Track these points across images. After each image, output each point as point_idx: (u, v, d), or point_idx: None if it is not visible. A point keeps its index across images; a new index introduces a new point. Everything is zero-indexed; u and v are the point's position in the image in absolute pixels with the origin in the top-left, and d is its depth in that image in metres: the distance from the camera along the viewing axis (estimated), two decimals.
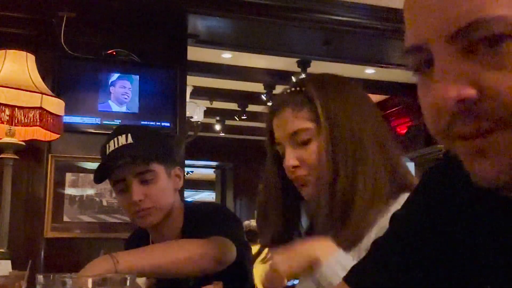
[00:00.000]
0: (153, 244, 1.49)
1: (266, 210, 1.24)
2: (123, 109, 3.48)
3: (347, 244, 1.05)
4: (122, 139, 1.53)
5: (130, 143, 1.52)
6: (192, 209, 1.63)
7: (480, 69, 0.51)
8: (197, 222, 1.55)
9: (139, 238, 1.70)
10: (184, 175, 1.92)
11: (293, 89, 1.19)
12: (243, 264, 1.54)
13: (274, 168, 1.23)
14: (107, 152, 1.54)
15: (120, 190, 1.55)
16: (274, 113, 1.20)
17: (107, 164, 1.52)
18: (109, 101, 3.45)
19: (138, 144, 1.53)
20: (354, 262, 0.84)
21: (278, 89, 6.04)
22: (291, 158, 1.15)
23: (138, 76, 3.52)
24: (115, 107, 3.46)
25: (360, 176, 1.09)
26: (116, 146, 1.52)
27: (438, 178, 0.75)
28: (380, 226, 1.03)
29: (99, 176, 1.55)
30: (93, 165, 3.34)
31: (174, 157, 1.68)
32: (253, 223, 6.25)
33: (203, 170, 9.81)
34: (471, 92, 0.51)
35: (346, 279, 0.81)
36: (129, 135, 1.53)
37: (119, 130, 1.58)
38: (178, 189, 1.63)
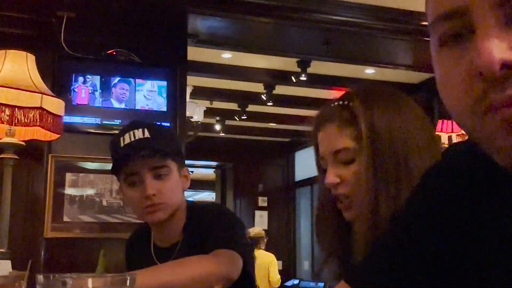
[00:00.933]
0: (162, 264, 1.48)
1: (321, 225, 1.21)
2: (122, 106, 3.48)
3: None
4: (138, 133, 1.53)
5: (147, 137, 1.52)
6: (194, 209, 1.64)
7: None
8: (199, 223, 1.56)
9: (140, 238, 1.70)
10: None
11: (340, 102, 1.15)
12: (246, 269, 1.54)
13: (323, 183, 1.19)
14: (122, 145, 1.53)
15: (131, 183, 1.54)
16: (319, 127, 1.17)
17: (126, 154, 1.52)
18: (111, 99, 3.45)
19: (155, 139, 1.53)
20: None
21: (278, 89, 6.05)
22: (331, 176, 1.12)
23: (137, 76, 3.52)
24: (115, 105, 3.46)
25: (404, 198, 1.03)
26: (133, 139, 1.52)
27: (438, 178, 0.75)
28: None
29: (115, 167, 1.55)
30: (93, 165, 3.35)
31: (184, 157, 1.69)
32: (252, 231, 6.25)
33: (203, 170, 9.82)
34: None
35: (347, 279, 0.81)
36: (145, 129, 1.53)
37: (134, 125, 1.57)
38: (185, 190, 1.64)
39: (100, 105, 3.43)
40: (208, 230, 1.51)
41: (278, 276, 6.05)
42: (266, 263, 6.03)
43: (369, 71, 5.62)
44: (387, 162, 1.07)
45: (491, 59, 0.49)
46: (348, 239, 1.17)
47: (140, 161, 1.51)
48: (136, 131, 1.53)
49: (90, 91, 3.43)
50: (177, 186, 1.58)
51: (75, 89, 3.38)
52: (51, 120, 2.55)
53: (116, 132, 1.62)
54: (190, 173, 1.71)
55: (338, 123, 1.13)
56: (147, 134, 1.53)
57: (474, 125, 0.54)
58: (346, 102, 1.14)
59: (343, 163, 1.12)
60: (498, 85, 0.50)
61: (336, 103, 1.16)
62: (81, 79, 3.41)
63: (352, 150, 1.11)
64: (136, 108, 3.50)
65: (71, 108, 3.13)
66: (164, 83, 3.58)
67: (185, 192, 1.68)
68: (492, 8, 0.50)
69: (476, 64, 0.50)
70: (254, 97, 6.37)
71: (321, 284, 5.45)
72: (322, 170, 1.18)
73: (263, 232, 6.44)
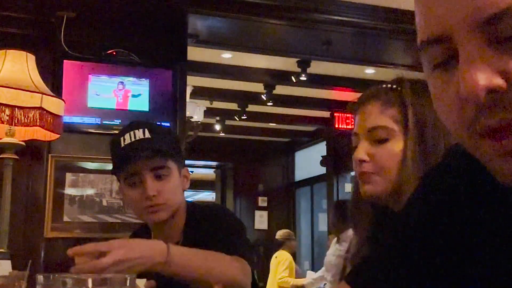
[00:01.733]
0: (196, 249, 1.50)
1: (356, 210, 1.21)
2: (122, 106, 3.48)
3: None
4: (139, 133, 1.53)
5: (148, 138, 1.52)
6: (194, 209, 1.64)
7: (508, 59, 0.49)
8: (200, 224, 1.56)
9: (140, 238, 1.70)
10: None
11: (389, 85, 1.16)
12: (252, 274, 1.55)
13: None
14: (122, 145, 1.53)
15: (132, 183, 1.54)
16: (361, 104, 1.17)
17: (127, 155, 1.52)
18: (111, 99, 3.45)
19: (156, 139, 1.53)
20: None
21: (278, 89, 6.05)
22: (361, 152, 1.12)
23: (137, 76, 3.52)
24: (115, 105, 3.46)
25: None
26: (133, 139, 1.52)
27: (439, 178, 0.75)
28: None
29: (115, 167, 1.55)
30: (93, 165, 3.35)
31: (184, 158, 1.69)
32: (278, 234, 6.27)
33: (203, 170, 9.82)
34: (500, 82, 0.48)
35: (347, 279, 0.81)
36: (146, 130, 1.53)
37: (135, 125, 1.57)
38: (185, 190, 1.64)
39: (100, 105, 3.43)
40: (210, 232, 1.51)
41: (281, 275, 6.03)
42: (279, 261, 6.07)
43: (369, 71, 5.62)
44: (429, 148, 1.08)
45: (475, 87, 0.48)
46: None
47: (141, 161, 1.51)
48: (136, 131, 1.53)
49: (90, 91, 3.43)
50: (178, 187, 1.58)
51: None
52: (51, 120, 2.55)
53: (116, 132, 1.62)
54: (190, 173, 1.71)
55: (383, 102, 1.13)
56: (147, 135, 1.53)
57: (470, 146, 0.54)
58: (395, 86, 1.15)
59: (377, 141, 1.12)
60: (487, 110, 0.50)
61: (385, 85, 1.16)
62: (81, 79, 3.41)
63: (389, 130, 1.11)
64: (136, 108, 3.50)
65: (71, 108, 3.12)
66: (164, 83, 3.58)
67: (185, 192, 1.68)
68: (474, 32, 0.49)
69: (461, 93, 0.50)
70: (254, 97, 6.37)
71: (322, 284, 5.44)
72: (353, 148, 1.18)
73: (289, 233, 6.45)
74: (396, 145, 1.11)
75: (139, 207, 1.56)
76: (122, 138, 1.54)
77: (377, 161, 1.12)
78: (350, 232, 4.34)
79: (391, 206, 1.11)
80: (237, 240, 1.52)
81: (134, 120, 1.67)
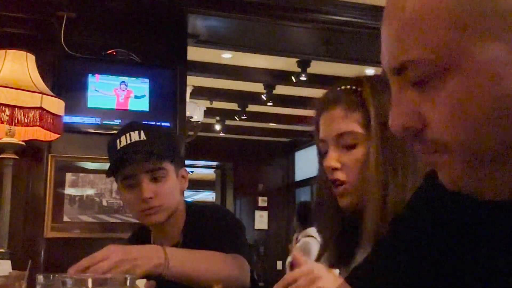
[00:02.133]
0: (192, 250, 1.50)
1: (320, 211, 1.20)
2: (122, 106, 3.48)
3: None
4: (134, 135, 1.52)
5: (143, 140, 1.52)
6: (194, 210, 1.63)
7: (421, 100, 0.57)
8: (199, 225, 1.56)
9: (140, 238, 1.70)
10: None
11: (348, 87, 1.13)
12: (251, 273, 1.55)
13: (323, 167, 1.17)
14: (118, 147, 1.53)
15: (128, 185, 1.54)
16: (324, 108, 1.15)
17: (122, 158, 1.52)
18: (111, 99, 3.45)
19: (151, 141, 1.53)
20: None
21: (278, 89, 6.05)
22: (332, 159, 1.10)
23: (137, 76, 3.52)
24: (115, 105, 3.46)
25: (410, 189, 1.02)
26: (129, 141, 1.52)
27: (440, 181, 0.75)
28: None
29: (111, 170, 1.55)
30: (93, 165, 3.35)
31: (182, 158, 1.68)
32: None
33: (203, 170, 9.82)
34: (413, 123, 0.57)
35: (348, 280, 0.81)
36: (142, 131, 1.53)
37: (131, 127, 1.57)
38: (183, 191, 1.64)
39: (100, 105, 3.43)
40: (210, 232, 1.51)
41: None
42: None
43: (369, 71, 5.61)
44: (395, 150, 1.06)
45: (394, 125, 0.59)
46: (346, 226, 1.16)
47: (136, 164, 1.51)
48: (132, 133, 1.53)
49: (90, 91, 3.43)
50: (175, 188, 1.57)
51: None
52: (51, 120, 2.55)
53: (116, 132, 1.62)
54: (190, 173, 1.72)
55: (345, 106, 1.11)
56: (143, 136, 1.52)
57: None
58: (354, 87, 1.12)
59: (346, 147, 1.10)
60: (411, 141, 0.60)
61: (343, 87, 1.14)
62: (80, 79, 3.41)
63: (357, 134, 1.09)
64: (136, 108, 3.50)
65: (71, 108, 3.12)
66: (164, 83, 3.58)
67: (185, 192, 1.68)
68: (393, 76, 0.60)
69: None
70: (254, 97, 6.37)
71: None
72: (322, 154, 1.16)
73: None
74: (365, 150, 1.09)
75: (136, 209, 1.56)
76: (118, 140, 1.53)
77: (349, 168, 1.10)
78: (308, 231, 4.37)
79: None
80: (236, 238, 1.52)
81: (131, 121, 1.67)
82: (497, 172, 0.58)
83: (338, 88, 1.15)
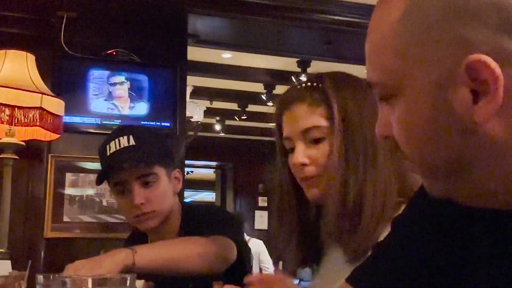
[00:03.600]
0: (162, 241, 1.49)
1: (281, 212, 1.19)
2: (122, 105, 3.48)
3: (354, 255, 1.02)
4: (123, 141, 1.51)
5: (132, 145, 1.50)
6: (189, 210, 1.63)
7: (390, 113, 0.64)
8: (195, 223, 1.55)
9: (138, 238, 1.69)
10: (184, 177, 1.91)
11: (309, 84, 1.14)
12: (243, 264, 1.53)
13: (285, 165, 1.17)
14: (108, 154, 1.51)
15: (119, 192, 1.53)
16: (286, 107, 1.15)
17: (110, 166, 1.51)
18: (110, 101, 3.45)
19: (141, 146, 1.51)
20: None
21: (278, 89, 6.04)
22: (300, 155, 1.10)
23: (138, 76, 3.52)
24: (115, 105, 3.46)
25: (369, 183, 1.04)
26: (118, 148, 1.50)
27: (427, 203, 0.77)
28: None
29: (100, 178, 1.54)
30: (93, 165, 3.34)
31: (174, 160, 1.67)
32: None
33: (203, 170, 9.81)
34: (388, 132, 0.65)
35: (349, 280, 0.82)
36: (131, 136, 1.51)
37: (120, 131, 1.55)
38: (177, 192, 1.63)
39: (100, 105, 3.43)
40: (204, 229, 1.51)
41: None
42: None
43: None
44: (356, 143, 1.07)
45: (377, 135, 0.68)
46: (309, 222, 1.16)
47: (126, 170, 1.50)
48: (121, 138, 1.51)
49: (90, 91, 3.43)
50: (167, 191, 1.56)
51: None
52: (51, 120, 2.55)
53: (106, 137, 1.61)
54: (190, 172, 1.71)
55: (309, 102, 1.12)
56: (132, 142, 1.51)
57: None
58: (316, 84, 1.13)
59: (312, 141, 1.11)
60: (392, 149, 0.67)
61: (304, 85, 1.15)
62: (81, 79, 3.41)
63: (322, 128, 1.10)
64: (136, 108, 3.50)
65: (71, 108, 3.12)
66: (164, 83, 3.58)
67: (185, 192, 1.67)
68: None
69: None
70: (254, 97, 6.36)
71: None
72: (284, 152, 1.17)
73: None
74: (332, 143, 1.10)
75: (129, 215, 1.55)
76: (108, 146, 1.52)
77: (318, 163, 1.10)
78: None
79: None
80: (225, 227, 1.50)
81: (121, 125, 1.66)
82: (456, 184, 0.62)
83: (300, 86, 1.16)
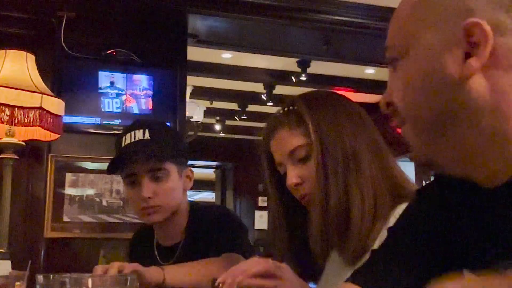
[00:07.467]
0: (193, 261, 1.50)
1: (275, 238, 1.23)
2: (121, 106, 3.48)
3: (351, 258, 1.05)
4: (139, 134, 1.53)
5: (146, 139, 1.52)
6: (197, 210, 1.64)
7: (393, 79, 0.75)
8: (202, 225, 1.56)
9: (144, 236, 1.70)
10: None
11: (285, 109, 1.20)
12: None
13: (275, 193, 1.23)
14: (122, 145, 1.54)
15: (130, 183, 1.56)
16: (270, 136, 1.21)
17: (122, 158, 1.53)
18: (110, 100, 3.45)
19: (155, 141, 1.53)
20: None
21: (278, 89, 6.05)
22: (292, 176, 1.15)
23: (137, 76, 3.52)
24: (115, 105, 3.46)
25: (354, 189, 1.08)
26: (132, 140, 1.53)
27: (432, 193, 0.82)
28: (384, 236, 1.02)
29: (112, 168, 1.55)
30: (93, 165, 3.34)
31: (187, 158, 1.68)
32: None
33: (203, 170, 9.81)
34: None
35: (353, 279, 0.82)
36: (146, 130, 1.53)
37: (137, 124, 1.58)
38: (187, 190, 1.64)
39: (100, 105, 3.43)
40: (211, 232, 1.52)
41: None
42: None
43: (369, 71, 5.62)
44: (335, 154, 1.11)
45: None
46: (303, 246, 1.18)
47: (137, 163, 1.51)
48: (137, 131, 1.54)
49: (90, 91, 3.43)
50: (176, 188, 1.57)
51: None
52: (51, 120, 2.55)
53: (116, 132, 1.63)
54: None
55: (288, 126, 1.17)
56: (147, 135, 1.53)
57: None
58: (290, 107, 1.19)
59: (300, 161, 1.15)
60: (392, 117, 0.77)
61: (281, 111, 1.21)
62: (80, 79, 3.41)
63: (306, 146, 1.14)
64: (136, 108, 3.50)
65: (71, 108, 3.12)
66: (164, 83, 3.58)
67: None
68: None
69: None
70: (254, 97, 6.36)
71: None
72: (277, 179, 1.21)
73: None
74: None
75: (136, 207, 1.57)
76: (123, 138, 1.55)
77: (310, 180, 1.14)
78: None
79: None
80: (235, 239, 1.53)
81: (138, 119, 1.68)
82: (440, 142, 0.70)
83: (276, 114, 1.22)
